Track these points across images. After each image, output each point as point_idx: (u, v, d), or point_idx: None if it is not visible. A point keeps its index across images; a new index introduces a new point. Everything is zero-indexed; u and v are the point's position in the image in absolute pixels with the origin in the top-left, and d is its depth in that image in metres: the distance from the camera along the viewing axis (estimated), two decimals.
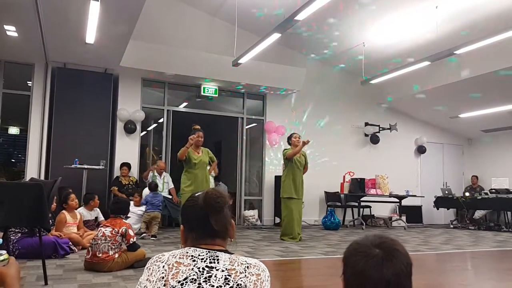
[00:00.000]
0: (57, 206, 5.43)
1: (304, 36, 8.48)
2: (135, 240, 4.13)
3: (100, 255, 3.92)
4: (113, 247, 3.97)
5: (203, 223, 1.31)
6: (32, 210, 3.07)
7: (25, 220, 3.20)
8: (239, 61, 7.22)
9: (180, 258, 1.24)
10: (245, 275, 1.22)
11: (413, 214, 10.56)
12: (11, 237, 4.43)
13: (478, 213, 10.48)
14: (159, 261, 1.26)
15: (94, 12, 5.30)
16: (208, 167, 6.13)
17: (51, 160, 7.48)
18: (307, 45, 9.11)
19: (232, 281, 1.20)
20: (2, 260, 1.55)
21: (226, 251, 1.31)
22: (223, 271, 1.22)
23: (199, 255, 1.25)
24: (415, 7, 7.04)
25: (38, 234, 3.56)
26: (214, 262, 1.24)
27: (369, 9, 7.26)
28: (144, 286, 1.22)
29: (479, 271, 5.07)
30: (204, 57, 8.11)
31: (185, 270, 1.21)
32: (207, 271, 1.21)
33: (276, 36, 6.20)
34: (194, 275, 1.20)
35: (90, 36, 6.18)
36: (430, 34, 7.49)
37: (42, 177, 7.40)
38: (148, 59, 7.80)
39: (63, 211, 5.32)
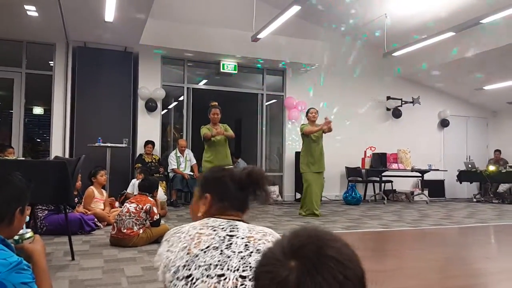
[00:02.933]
0: (85, 182, 5.57)
1: (324, 8, 8.28)
2: (158, 217, 4.23)
3: (125, 230, 4.03)
4: (137, 223, 4.07)
5: (237, 195, 1.39)
6: (57, 187, 3.16)
7: (50, 197, 3.30)
8: (258, 36, 7.13)
9: (201, 229, 1.29)
10: (263, 242, 1.27)
11: (436, 189, 10.44)
12: (39, 214, 4.59)
13: (502, 187, 10.27)
14: (179, 232, 1.30)
15: None
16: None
17: (75, 138, 7.64)
18: (328, 18, 8.89)
19: (252, 246, 1.24)
20: (28, 238, 1.61)
21: (243, 221, 1.37)
22: (243, 238, 1.26)
23: (219, 225, 1.30)
24: None
25: (64, 211, 3.67)
26: (234, 231, 1.29)
27: None
28: (166, 257, 1.26)
29: (503, 245, 5.00)
30: (222, 33, 8.03)
31: (207, 239, 1.25)
32: (228, 239, 1.25)
33: (295, 9, 6.07)
34: (216, 243, 1.24)
35: (109, 15, 6.18)
36: (454, 3, 7.20)
37: (67, 156, 7.57)
38: (167, 36, 7.78)
39: (91, 187, 5.47)
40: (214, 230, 1.28)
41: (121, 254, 3.75)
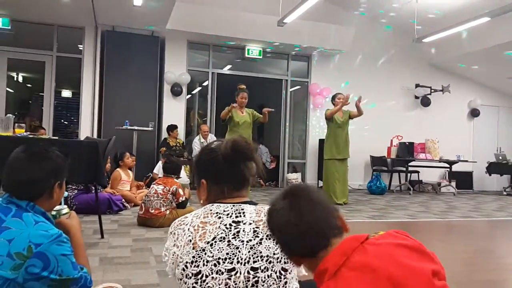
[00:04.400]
0: (112, 164, 5.67)
1: None
2: (184, 198, 4.28)
3: (153, 211, 4.10)
4: (165, 204, 4.15)
5: (231, 172, 1.25)
6: (89, 167, 3.22)
7: (83, 176, 3.36)
8: (285, 21, 7.03)
9: (204, 217, 1.21)
10: None
11: (464, 180, 10.20)
12: (69, 193, 4.70)
13: None
14: (183, 224, 1.23)
15: None
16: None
17: (103, 121, 7.78)
18: (355, 2, 8.70)
19: (261, 232, 1.18)
20: (65, 214, 1.64)
21: (250, 202, 1.27)
22: (250, 224, 1.19)
23: (224, 210, 1.21)
24: None
25: (94, 191, 3.74)
26: (240, 216, 1.20)
27: None
28: (173, 252, 1.21)
29: None
30: (248, 18, 7.96)
31: (212, 230, 1.17)
32: (234, 226, 1.18)
33: None
34: (222, 233, 1.17)
35: None
36: None
37: (95, 138, 7.72)
38: (193, 21, 7.76)
39: (118, 169, 5.58)
40: (219, 218, 1.20)
41: (148, 234, 3.82)
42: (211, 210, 1.23)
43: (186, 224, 1.22)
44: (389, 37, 9.57)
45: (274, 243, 1.16)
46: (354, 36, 8.82)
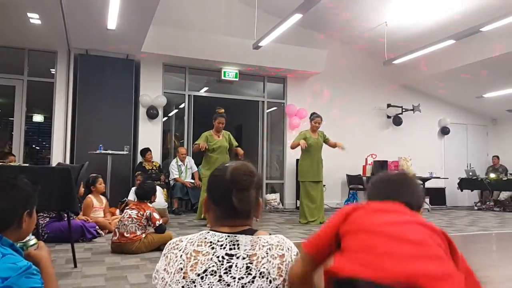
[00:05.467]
0: (84, 190, 5.53)
1: (325, 17, 8.32)
2: (160, 222, 4.21)
3: (128, 235, 4.02)
4: (140, 227, 4.08)
5: (226, 198, 1.20)
6: (61, 194, 3.14)
7: (54, 204, 3.27)
8: (260, 44, 7.15)
9: (198, 245, 1.16)
10: (267, 260, 1.14)
11: (437, 196, 10.41)
12: (40, 222, 4.55)
13: (504, 195, 10.25)
14: (177, 248, 1.18)
15: None
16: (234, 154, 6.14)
17: (76, 146, 7.62)
18: (328, 26, 8.94)
19: (254, 269, 1.12)
20: (33, 245, 1.59)
21: (248, 230, 1.22)
22: (244, 258, 1.14)
23: (218, 240, 1.17)
24: None
25: (66, 218, 3.64)
26: (235, 248, 1.15)
27: None
28: (162, 278, 1.17)
29: (508, 252, 4.97)
30: (224, 41, 8.06)
31: (204, 261, 1.13)
32: (227, 260, 1.13)
33: (297, 17, 6.09)
34: (213, 265, 1.12)
35: (112, 22, 6.20)
36: (455, 11, 7.24)
37: (67, 163, 7.55)
38: (169, 44, 7.80)
39: (89, 196, 5.43)
40: (212, 248, 1.15)
41: (123, 262, 3.72)
42: (205, 238, 1.19)
43: (180, 249, 1.17)
44: (361, 59, 9.85)
45: (268, 282, 1.13)
46: (327, 59, 9.03)
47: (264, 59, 8.36)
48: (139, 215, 4.09)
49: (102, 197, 5.66)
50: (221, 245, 1.16)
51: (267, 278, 1.12)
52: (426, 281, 1.01)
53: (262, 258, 1.14)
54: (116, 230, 4.11)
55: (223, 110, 5.95)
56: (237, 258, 1.14)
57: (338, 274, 1.08)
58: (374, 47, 9.23)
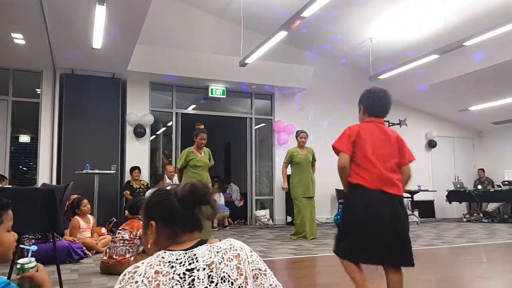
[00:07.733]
0: (69, 211, 5.42)
1: (310, 33, 8.44)
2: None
3: (117, 257, 3.96)
4: (131, 250, 4.02)
5: (186, 215, 1.24)
6: (45, 215, 3.08)
7: (38, 225, 3.21)
8: (246, 61, 7.21)
9: (157, 265, 1.14)
10: (225, 264, 1.17)
11: (426, 209, 10.46)
12: (25, 243, 4.46)
13: (491, 206, 10.34)
14: (136, 274, 1.13)
15: (100, 16, 5.33)
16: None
17: (62, 166, 7.54)
18: (314, 43, 9.07)
19: (215, 276, 1.14)
20: (33, 267, 1.58)
21: (201, 242, 1.24)
22: (204, 269, 1.15)
23: (176, 259, 1.16)
24: (422, 0, 6.97)
25: (51, 240, 3.57)
26: (193, 262, 1.16)
27: (375, 4, 7.20)
28: None
29: (496, 264, 4.99)
30: (211, 59, 8.11)
31: (166, 281, 1.11)
32: (188, 275, 1.13)
33: (282, 34, 6.17)
34: (176, 284, 1.11)
35: (97, 41, 6.21)
36: (438, 27, 7.41)
37: (54, 183, 7.45)
38: (155, 63, 7.83)
39: (76, 217, 5.34)
40: (172, 267, 1.14)
41: (110, 283, 3.65)
42: (163, 258, 1.16)
43: (140, 275, 1.13)
44: (347, 74, 9.96)
45: (230, 284, 1.15)
46: (314, 75, 9.13)
47: (251, 76, 8.42)
48: (131, 236, 4.04)
49: (90, 216, 5.58)
50: (180, 263, 1.15)
51: (229, 281, 1.15)
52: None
53: (220, 263, 1.17)
54: (107, 250, 4.07)
55: (203, 126, 5.90)
56: (198, 270, 1.15)
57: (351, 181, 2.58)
58: (360, 62, 9.37)
